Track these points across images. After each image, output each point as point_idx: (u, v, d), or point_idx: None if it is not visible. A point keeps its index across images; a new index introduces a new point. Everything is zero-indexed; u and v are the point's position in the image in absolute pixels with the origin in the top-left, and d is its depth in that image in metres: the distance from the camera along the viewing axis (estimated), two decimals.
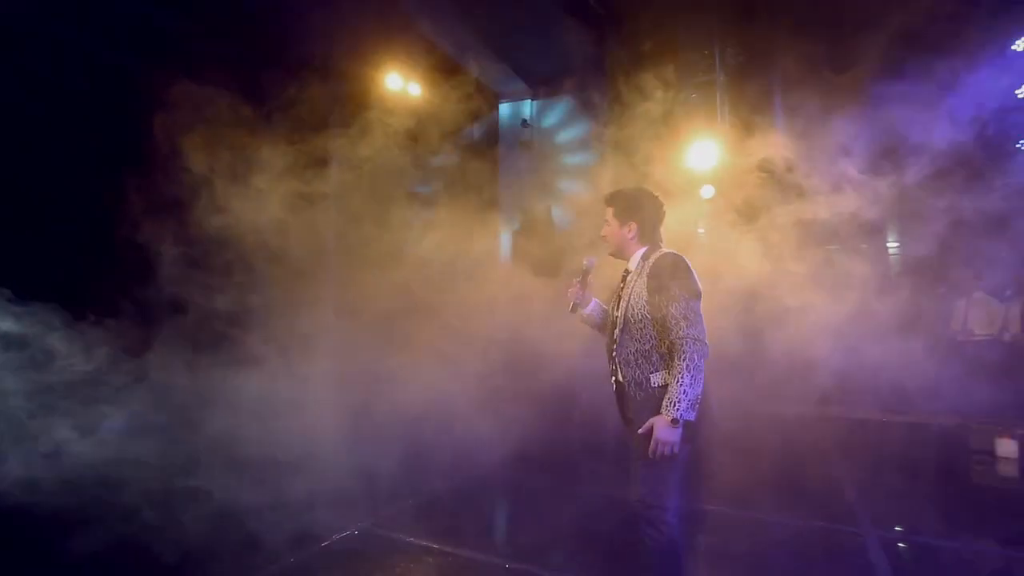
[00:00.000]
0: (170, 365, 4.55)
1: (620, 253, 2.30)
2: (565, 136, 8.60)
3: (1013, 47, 6.15)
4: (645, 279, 2.13)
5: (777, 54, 7.45)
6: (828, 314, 5.32)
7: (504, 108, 8.78)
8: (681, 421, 1.94)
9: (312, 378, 4.95)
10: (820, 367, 5.15)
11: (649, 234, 2.25)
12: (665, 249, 2.20)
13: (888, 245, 7.13)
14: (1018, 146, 6.21)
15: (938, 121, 5.59)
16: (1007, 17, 6.04)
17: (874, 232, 7.05)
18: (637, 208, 2.26)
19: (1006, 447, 4.89)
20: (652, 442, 1.97)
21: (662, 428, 1.95)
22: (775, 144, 6.40)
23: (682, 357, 1.96)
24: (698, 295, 2.07)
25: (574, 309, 2.42)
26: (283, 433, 4.12)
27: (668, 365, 2.04)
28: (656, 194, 2.32)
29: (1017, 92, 6.22)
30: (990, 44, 6.14)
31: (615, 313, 2.25)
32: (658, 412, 2.00)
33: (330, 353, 5.48)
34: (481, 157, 8.51)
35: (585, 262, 2.38)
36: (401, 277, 5.68)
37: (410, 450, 4.05)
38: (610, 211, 2.30)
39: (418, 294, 5.62)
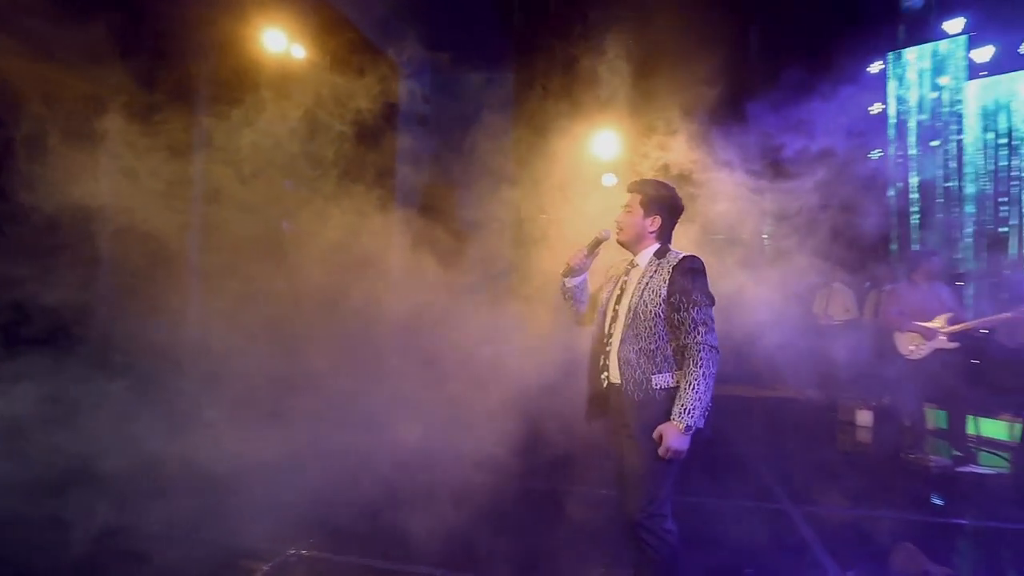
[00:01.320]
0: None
1: (633, 244, 2.16)
2: (469, 115, 8.34)
3: (868, 70, 7.07)
4: (666, 277, 2.01)
5: (670, 58, 7.84)
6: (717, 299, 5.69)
7: (404, 82, 8.28)
8: (693, 429, 1.90)
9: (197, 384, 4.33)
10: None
11: (667, 232, 2.16)
12: (680, 251, 2.11)
13: (763, 237, 7.89)
14: (870, 156, 7.18)
15: (806, 133, 6.25)
16: (864, 45, 6.92)
17: (754, 226, 7.68)
18: (666, 203, 2.15)
19: (864, 417, 5.70)
20: (663, 449, 1.90)
21: (674, 436, 1.89)
22: (671, 141, 6.75)
23: (699, 364, 1.91)
24: (714, 302, 2.03)
25: (569, 273, 2.25)
26: (178, 449, 3.55)
27: (672, 368, 1.98)
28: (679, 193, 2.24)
29: (871, 109, 7.17)
30: (850, 67, 7.00)
31: (615, 307, 2.12)
32: (658, 415, 1.94)
33: (210, 354, 4.79)
34: (377, 133, 7.98)
35: (602, 232, 2.23)
36: (285, 268, 5.16)
37: (342, 460, 3.67)
38: (637, 198, 2.15)
39: (304, 287, 5.14)
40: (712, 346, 1.93)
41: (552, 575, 2.80)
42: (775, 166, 6.35)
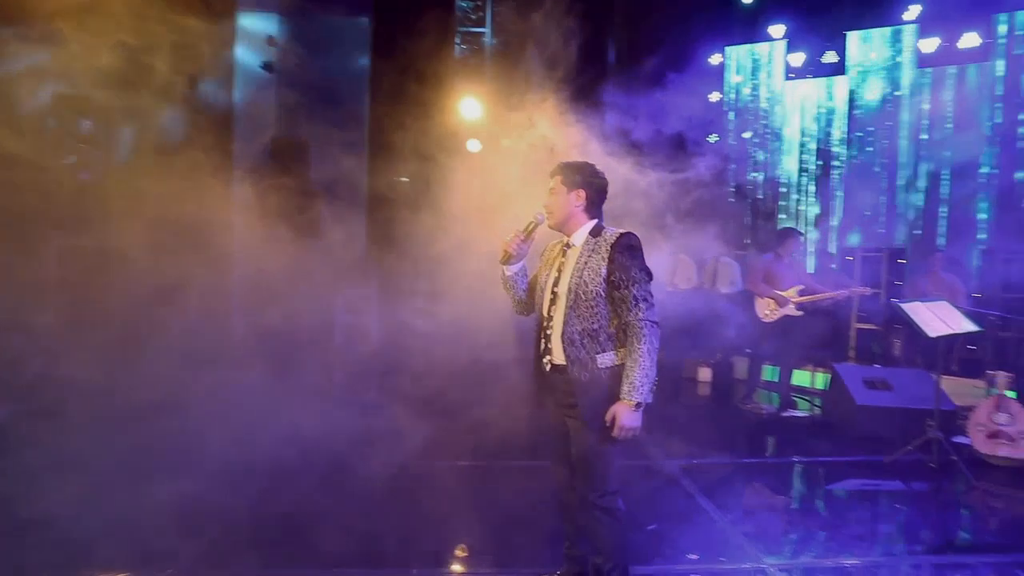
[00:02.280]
0: None
1: (563, 225, 2.13)
2: (321, 63, 7.56)
3: (709, 61, 7.83)
4: (605, 255, 2.00)
5: (538, 34, 7.88)
6: None
7: (244, 20, 7.21)
8: (643, 405, 1.93)
9: None
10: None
11: (596, 207, 2.13)
12: (616, 229, 2.09)
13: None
14: (708, 139, 8.02)
15: (654, 117, 6.75)
16: (706, 37, 7.63)
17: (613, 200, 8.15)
18: (586, 177, 2.12)
19: (704, 374, 6.48)
20: (616, 429, 1.92)
21: (627, 414, 1.91)
22: (532, 117, 6.89)
23: (643, 340, 1.92)
24: (652, 277, 2.04)
25: (508, 261, 2.17)
26: None
27: (615, 346, 1.99)
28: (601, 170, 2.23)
29: (710, 96, 7.99)
30: (693, 59, 7.69)
31: (554, 289, 2.08)
32: (605, 394, 1.96)
33: None
34: (210, 77, 6.89)
35: (536, 216, 2.15)
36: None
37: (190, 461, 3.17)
38: (557, 180, 2.13)
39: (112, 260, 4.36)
40: (653, 322, 1.96)
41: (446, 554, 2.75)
42: (626, 145, 6.79)
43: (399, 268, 8.17)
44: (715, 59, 7.85)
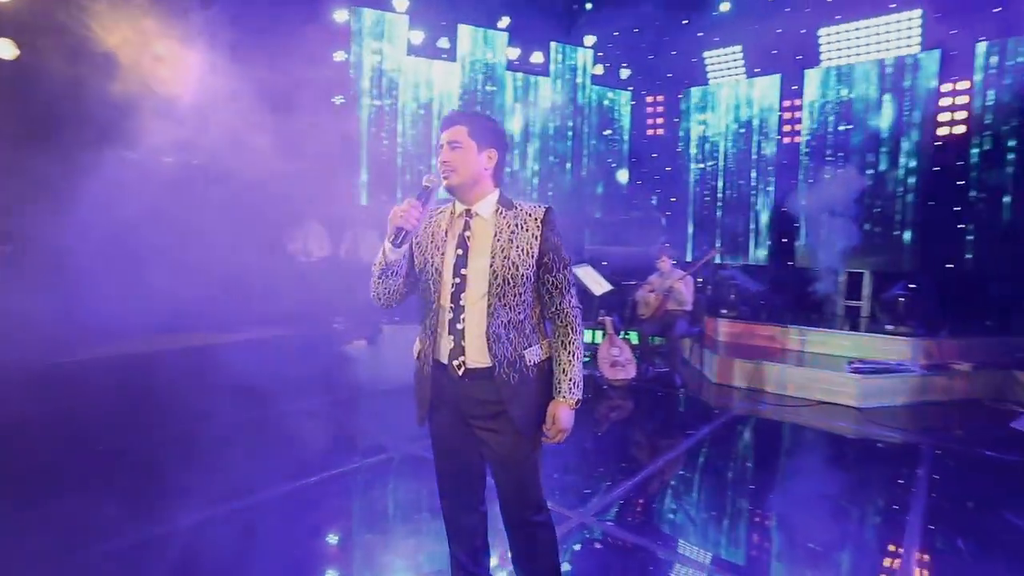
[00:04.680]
0: None
1: (468, 190, 1.72)
2: None
3: (335, 18, 7.23)
4: (536, 233, 1.70)
5: None
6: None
7: None
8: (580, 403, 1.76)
9: None
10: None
11: (500, 174, 1.80)
12: (524, 201, 1.81)
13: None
14: (333, 101, 7.50)
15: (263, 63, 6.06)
16: None
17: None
18: (499, 136, 1.77)
19: (361, 346, 6.22)
20: (556, 432, 1.71)
21: (568, 416, 1.71)
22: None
23: (577, 330, 1.76)
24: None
25: (404, 241, 1.64)
26: None
27: (538, 339, 1.76)
28: None
29: (335, 56, 7.45)
30: (315, 17, 7.04)
31: (461, 271, 1.68)
32: (532, 397, 1.72)
33: None
34: None
35: (431, 179, 1.69)
36: None
37: None
38: (462, 131, 1.70)
39: None
40: (581, 308, 1.83)
41: None
42: (229, 91, 5.87)
43: None
44: (340, 16, 7.36)
